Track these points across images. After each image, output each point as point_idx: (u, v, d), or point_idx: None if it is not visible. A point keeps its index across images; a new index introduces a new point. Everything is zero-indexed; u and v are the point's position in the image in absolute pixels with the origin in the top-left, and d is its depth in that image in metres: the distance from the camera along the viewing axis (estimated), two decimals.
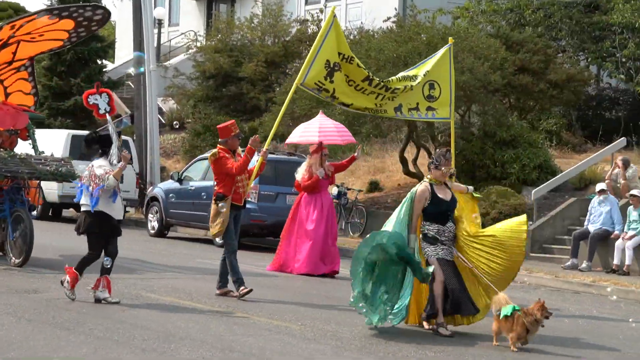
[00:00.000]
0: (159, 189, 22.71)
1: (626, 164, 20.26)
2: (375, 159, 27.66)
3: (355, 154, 16.41)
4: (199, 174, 21.57)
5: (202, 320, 10.18)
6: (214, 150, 12.17)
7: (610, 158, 22.55)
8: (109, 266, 10.96)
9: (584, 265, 18.11)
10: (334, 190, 23.11)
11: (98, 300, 10.88)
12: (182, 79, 33.91)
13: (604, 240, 18.46)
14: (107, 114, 11.45)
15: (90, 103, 11.54)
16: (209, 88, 32.80)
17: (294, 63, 32.17)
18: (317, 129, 17.22)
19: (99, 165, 10.95)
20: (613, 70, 27.10)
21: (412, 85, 12.79)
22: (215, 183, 12.15)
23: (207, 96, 32.67)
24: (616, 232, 18.25)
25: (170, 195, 21.78)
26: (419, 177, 24.11)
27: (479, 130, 23.88)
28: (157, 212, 22.20)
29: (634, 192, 18.43)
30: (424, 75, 12.92)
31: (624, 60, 27.31)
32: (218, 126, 12.53)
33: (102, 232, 10.98)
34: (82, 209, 11.08)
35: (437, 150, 12.21)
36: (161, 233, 22.13)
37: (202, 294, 12.14)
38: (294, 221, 15.96)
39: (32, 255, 13.70)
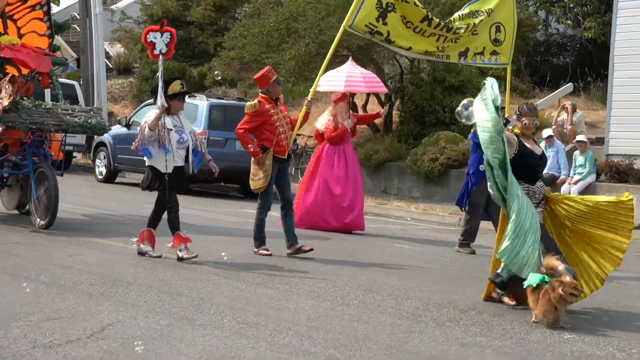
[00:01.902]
0: (106, 134, 22.43)
1: (573, 109, 20.42)
2: (326, 105, 27.54)
3: (381, 111, 15.95)
4: None
5: (150, 266, 10.11)
6: (254, 101, 11.31)
7: (557, 104, 22.72)
8: (175, 221, 10.56)
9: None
10: None
11: (142, 254, 10.64)
12: (130, 23, 33.40)
13: (551, 184, 18.63)
14: (160, 56, 10.82)
15: (148, 40, 10.86)
16: None
17: (243, 7, 31.85)
18: (344, 78, 16.89)
19: (147, 116, 10.49)
20: (561, 16, 27.16)
21: (474, 24, 12.15)
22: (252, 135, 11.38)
23: None
24: (562, 176, 18.45)
25: (118, 140, 21.54)
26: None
27: (428, 76, 23.86)
28: (104, 158, 21.98)
29: (580, 137, 18.61)
30: (488, 15, 12.28)
31: (571, 5, 27.38)
32: (254, 77, 11.62)
33: (158, 186, 10.52)
34: (147, 163, 10.63)
35: None
36: (109, 179, 21.93)
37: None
38: (315, 176, 14.89)
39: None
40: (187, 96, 10.95)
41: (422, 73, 24.31)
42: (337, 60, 25.11)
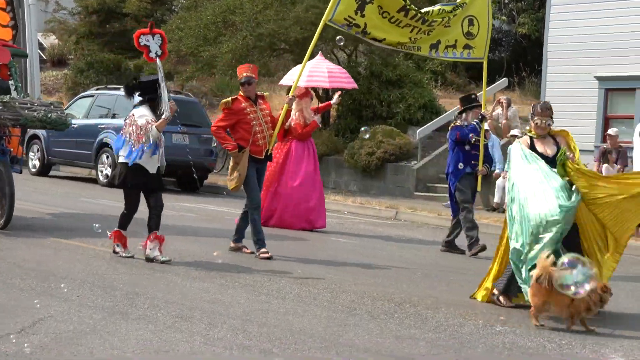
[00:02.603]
0: None
1: (508, 104, 20.67)
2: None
3: (333, 100, 15.25)
4: (82, 112, 21.07)
5: (85, 260, 9.99)
6: (229, 99, 11.08)
7: (492, 98, 22.97)
8: (157, 222, 10.25)
9: None
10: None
11: (149, 260, 10.12)
12: (64, 14, 32.92)
13: (486, 178, 18.83)
14: (157, 58, 10.55)
15: (142, 44, 10.58)
16: (92, 24, 31.96)
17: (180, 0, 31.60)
18: (326, 74, 16.60)
19: (141, 115, 10.11)
20: (496, 12, 27.46)
21: (449, 18, 12.00)
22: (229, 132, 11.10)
23: (91, 32, 31.86)
24: (497, 170, 18.66)
25: (52, 133, 21.23)
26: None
27: (365, 70, 23.96)
28: (38, 151, 21.67)
29: (514, 131, 18.84)
30: (463, 8, 12.14)
31: (506, 1, 27.72)
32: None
33: (138, 188, 10.24)
34: (120, 160, 10.25)
35: None
36: (43, 172, 21.62)
37: (86, 233, 11.90)
38: (283, 172, 14.52)
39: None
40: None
41: (359, 67, 24.39)
42: (275, 54, 25.11)
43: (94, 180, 20.58)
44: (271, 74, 26.24)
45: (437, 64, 27.18)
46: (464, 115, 12.68)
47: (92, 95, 21.67)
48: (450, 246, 12.83)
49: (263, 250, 10.89)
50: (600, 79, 19.11)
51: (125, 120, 10.33)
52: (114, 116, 20.43)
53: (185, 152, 18.19)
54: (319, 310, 8.15)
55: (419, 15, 11.76)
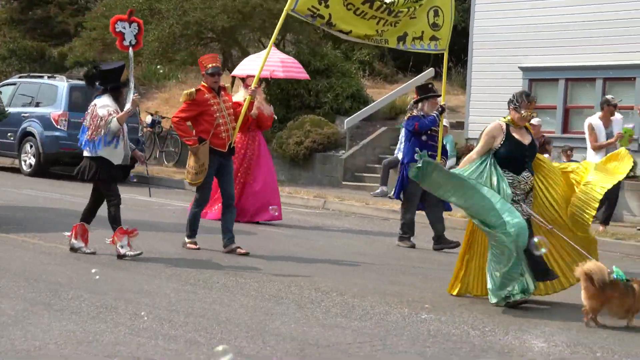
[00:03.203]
0: None
1: None
2: (190, 88, 27.32)
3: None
4: (4, 100, 20.64)
5: (7, 249, 9.82)
6: (192, 90, 10.69)
7: None
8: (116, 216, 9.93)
9: (378, 190, 18.57)
10: (148, 118, 22.77)
11: (74, 250, 9.90)
12: None
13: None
14: (130, 48, 10.26)
15: (117, 30, 10.26)
16: (13, 10, 31.39)
17: None
18: (279, 63, 16.28)
19: (103, 105, 9.77)
20: None
21: (415, 9, 11.80)
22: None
23: (12, 19, 31.27)
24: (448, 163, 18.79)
25: None
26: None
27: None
28: None
29: (443, 122, 18.98)
30: None
31: None
32: (198, 60, 11.09)
33: (110, 177, 9.92)
34: (85, 153, 9.92)
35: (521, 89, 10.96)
36: None
37: (10, 222, 11.68)
38: (259, 165, 14.16)
39: None
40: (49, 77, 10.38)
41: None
42: (202, 43, 24.94)
43: (18, 170, 20.23)
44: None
45: (364, 53, 27.31)
46: (419, 105, 12.41)
47: (14, 84, 21.28)
48: (441, 242, 12.49)
49: (192, 240, 10.79)
50: (524, 69, 19.37)
51: (86, 110, 10.00)
52: (37, 105, 20.10)
53: None
54: (245, 300, 8.13)
55: (384, 5, 11.56)
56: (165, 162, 22.47)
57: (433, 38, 12.14)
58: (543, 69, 19.10)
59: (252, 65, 16.52)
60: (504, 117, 8.90)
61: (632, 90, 17.97)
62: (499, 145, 8.63)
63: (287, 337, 6.82)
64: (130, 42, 10.31)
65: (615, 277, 7.85)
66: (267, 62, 16.40)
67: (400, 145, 19.36)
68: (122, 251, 9.79)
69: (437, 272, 10.47)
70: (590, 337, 7.43)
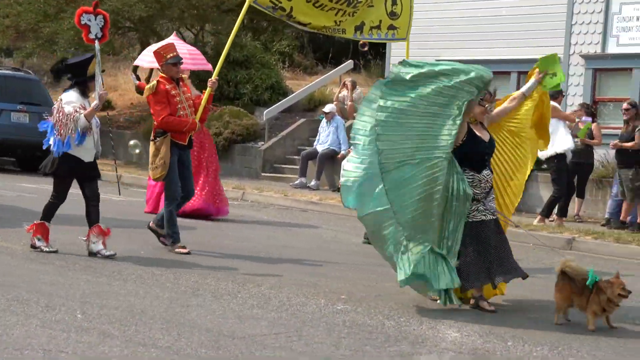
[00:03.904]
0: None
1: (353, 86, 20.95)
2: (107, 77, 26.94)
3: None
4: None
5: None
6: (152, 83, 10.33)
7: (339, 80, 23.23)
8: (96, 213, 9.68)
9: (312, 183, 18.66)
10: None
11: (92, 254, 9.57)
12: None
13: (332, 159, 19.08)
14: (96, 41, 9.87)
15: (82, 23, 9.88)
16: None
17: None
18: (188, 55, 15.84)
19: (68, 101, 9.45)
20: None
21: None
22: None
23: None
24: (343, 152, 18.90)
25: None
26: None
27: (212, 50, 23.80)
28: None
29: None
30: None
31: None
32: (153, 52, 10.77)
33: (71, 177, 9.63)
34: (52, 148, 9.59)
35: None
36: None
37: None
38: (212, 159, 13.96)
39: None
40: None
41: (206, 47, 24.22)
42: (120, 32, 24.61)
43: None
44: (116, 52, 25.72)
45: (284, 45, 27.30)
46: None
47: None
48: None
49: (179, 245, 10.30)
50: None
51: (54, 105, 9.67)
52: None
53: (25, 131, 17.66)
54: (161, 292, 8.07)
55: None
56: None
57: (391, 27, 12.01)
58: (489, 62, 19.32)
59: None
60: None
61: None
62: (461, 143, 8.15)
63: (203, 328, 6.79)
64: (96, 34, 9.97)
65: (590, 278, 7.63)
66: (192, 53, 16.24)
67: (319, 136, 19.46)
68: (37, 244, 9.60)
69: (356, 264, 10.54)
70: (502, 326, 7.56)
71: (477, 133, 8.29)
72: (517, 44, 18.51)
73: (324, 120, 19.46)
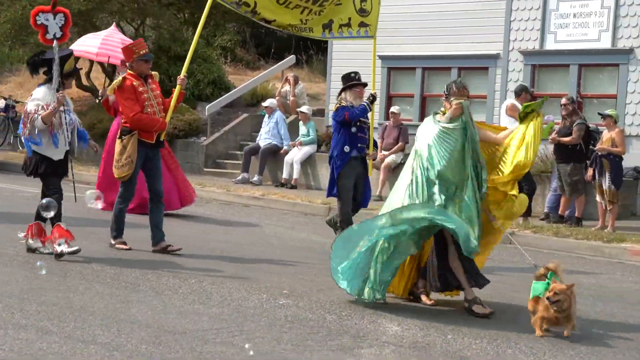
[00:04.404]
0: None
1: (296, 81, 20.95)
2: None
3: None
4: None
5: None
6: (118, 79, 10.10)
7: (281, 75, 23.22)
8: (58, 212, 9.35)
9: (254, 179, 18.62)
10: (1, 102, 22.10)
11: (31, 250, 9.33)
12: None
13: (274, 155, 19.07)
14: (54, 40, 9.42)
15: (38, 23, 9.45)
16: None
17: None
18: (98, 43, 15.48)
19: (34, 98, 9.15)
20: None
21: None
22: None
23: None
24: (285, 147, 18.90)
25: None
26: (92, 90, 23.54)
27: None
28: None
29: (302, 109, 19.13)
30: None
31: None
32: (122, 48, 10.47)
33: (52, 173, 9.34)
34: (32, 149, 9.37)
35: None
36: None
37: None
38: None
39: None
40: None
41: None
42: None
43: None
44: None
45: (226, 40, 27.20)
46: (342, 94, 11.65)
47: None
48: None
49: (120, 240, 10.21)
50: (382, 58, 19.66)
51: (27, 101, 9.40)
52: None
53: None
54: (101, 288, 8.00)
55: None
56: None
57: (362, 24, 11.82)
58: (400, 57, 19.45)
59: (92, 42, 15.93)
60: (440, 111, 8.37)
61: (485, 80, 18.50)
62: None
63: (143, 324, 6.75)
64: (54, 34, 9.54)
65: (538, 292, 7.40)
66: (105, 43, 16.01)
67: (261, 131, 19.42)
68: (58, 249, 9.26)
69: (298, 259, 10.56)
70: (441, 320, 7.63)
71: None
72: (456, 39, 18.66)
73: (267, 115, 19.45)
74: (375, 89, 12.08)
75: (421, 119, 19.21)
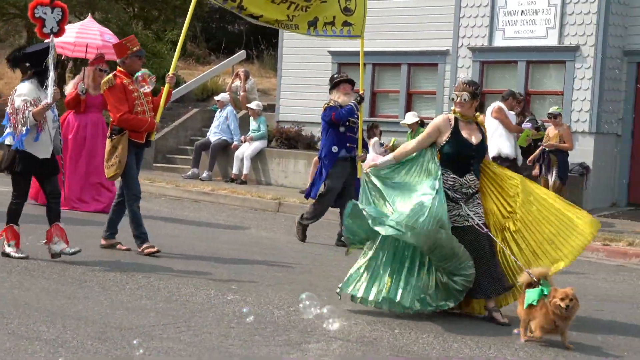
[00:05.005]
0: None
1: (246, 76, 20.91)
2: None
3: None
4: None
5: None
6: (109, 76, 9.85)
7: (231, 70, 23.16)
8: (57, 211, 9.11)
9: (204, 174, 18.56)
10: None
11: (56, 255, 9.01)
12: None
13: (224, 150, 19.02)
14: (52, 35, 9.14)
15: (36, 16, 9.17)
16: None
17: None
18: (98, 34, 15.16)
19: (20, 94, 8.85)
20: None
21: None
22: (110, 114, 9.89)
23: None
24: (235, 142, 18.86)
25: None
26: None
27: None
28: None
29: (251, 105, 19.09)
30: None
31: None
32: (113, 44, 10.19)
33: (28, 174, 9.03)
34: (7, 142, 9.00)
35: None
36: None
37: None
38: (85, 146, 13.43)
39: None
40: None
41: None
42: (5, 19, 23.98)
43: None
44: (1, 39, 25.06)
45: (176, 34, 27.03)
46: (330, 95, 11.75)
47: None
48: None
49: (147, 245, 9.88)
50: (333, 53, 19.70)
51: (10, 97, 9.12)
52: None
53: None
54: (47, 283, 7.93)
55: None
56: None
57: (346, 23, 11.67)
58: (351, 53, 19.44)
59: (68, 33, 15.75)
60: (452, 110, 7.96)
61: (435, 77, 18.62)
62: (444, 142, 7.75)
63: (89, 320, 6.70)
64: (51, 29, 9.30)
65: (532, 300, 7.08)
66: (82, 34, 15.78)
67: (212, 126, 19.36)
68: (7, 250, 9.04)
69: (247, 254, 10.54)
70: (390, 315, 7.67)
71: (465, 134, 7.80)
72: (406, 36, 18.75)
73: (218, 110, 19.40)
74: (363, 88, 12.06)
75: (372, 114, 19.29)
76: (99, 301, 7.37)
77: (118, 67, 9.96)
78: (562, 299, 6.86)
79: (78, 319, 6.71)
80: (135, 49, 9.88)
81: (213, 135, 19.13)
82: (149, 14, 26.70)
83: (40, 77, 9.05)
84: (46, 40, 9.33)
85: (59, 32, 9.35)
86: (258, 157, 18.80)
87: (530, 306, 7.01)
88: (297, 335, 6.77)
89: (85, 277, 8.34)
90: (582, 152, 16.27)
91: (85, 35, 14.99)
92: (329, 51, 19.72)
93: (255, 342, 6.50)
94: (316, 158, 17.35)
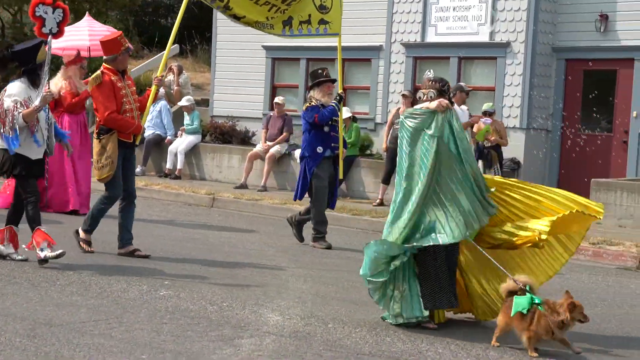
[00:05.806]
0: None
1: (180, 70, 20.77)
2: None
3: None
4: None
5: None
6: (97, 73, 9.54)
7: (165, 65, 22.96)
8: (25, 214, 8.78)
9: (138, 169, 18.38)
10: None
11: (2, 257, 8.70)
12: None
13: (158, 145, 18.87)
14: (50, 35, 8.83)
15: (37, 15, 8.84)
16: None
17: None
18: (86, 35, 14.77)
19: (10, 94, 8.53)
20: None
21: None
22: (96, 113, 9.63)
23: None
24: (169, 137, 18.73)
25: None
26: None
27: (32, 31, 23.04)
28: None
29: (183, 101, 18.96)
30: None
31: None
32: (101, 40, 9.77)
33: (28, 173, 8.73)
34: (0, 145, 8.75)
35: None
36: None
37: None
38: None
39: None
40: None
41: (24, 28, 23.46)
42: None
43: None
44: None
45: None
46: (311, 92, 11.55)
47: None
48: (298, 225, 11.68)
49: (84, 241, 9.77)
50: (267, 48, 19.66)
51: None
52: None
53: None
54: None
55: None
56: None
57: (322, 22, 11.59)
58: (285, 48, 19.46)
59: (72, 39, 15.46)
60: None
61: (369, 72, 18.71)
62: None
63: (18, 317, 6.61)
64: (51, 29, 9.03)
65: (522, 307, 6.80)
66: (92, 33, 15.50)
67: (154, 120, 19.11)
68: (42, 255, 8.69)
69: (180, 250, 10.49)
70: (323, 309, 7.69)
71: None
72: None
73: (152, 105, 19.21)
74: (341, 88, 11.96)
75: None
76: (29, 297, 7.27)
77: (104, 64, 9.70)
78: (571, 311, 6.62)
79: (6, 316, 6.61)
80: (127, 45, 9.70)
81: (146, 129, 18.94)
82: (80, 7, 26.29)
83: (30, 76, 8.81)
84: (37, 40, 9.10)
85: (58, 34, 9.14)
86: (192, 152, 18.70)
87: (521, 315, 6.74)
88: (231, 331, 6.75)
89: (14, 273, 8.22)
90: (514, 148, 16.49)
91: (75, 38, 14.84)
92: (263, 46, 19.68)
93: (188, 337, 6.46)
94: (251, 152, 17.39)
